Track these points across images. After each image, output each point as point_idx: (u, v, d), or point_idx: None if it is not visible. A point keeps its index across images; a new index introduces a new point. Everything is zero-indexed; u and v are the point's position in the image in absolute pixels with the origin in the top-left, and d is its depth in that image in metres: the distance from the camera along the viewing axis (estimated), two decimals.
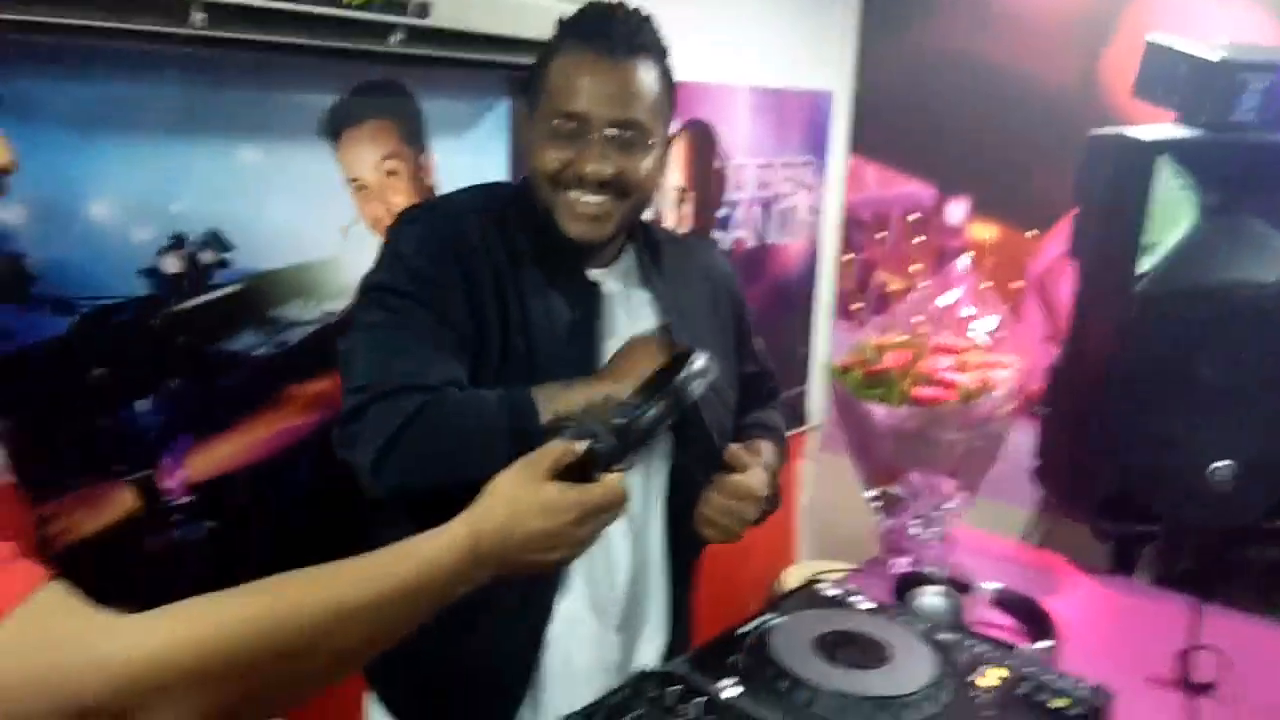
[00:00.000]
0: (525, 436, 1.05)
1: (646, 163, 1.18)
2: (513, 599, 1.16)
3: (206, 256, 1.45)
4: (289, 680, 0.75)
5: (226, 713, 0.71)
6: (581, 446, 0.91)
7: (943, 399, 1.47)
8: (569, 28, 1.18)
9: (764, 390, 1.44)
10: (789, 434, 1.47)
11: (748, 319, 1.43)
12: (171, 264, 1.41)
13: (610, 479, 0.91)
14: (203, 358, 1.45)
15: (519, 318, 1.17)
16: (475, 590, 0.85)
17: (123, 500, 1.38)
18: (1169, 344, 1.54)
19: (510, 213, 1.22)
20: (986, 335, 1.63)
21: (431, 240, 1.16)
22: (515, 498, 0.88)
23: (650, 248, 1.30)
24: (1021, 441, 1.74)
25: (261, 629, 0.72)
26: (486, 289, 1.16)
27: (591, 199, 1.16)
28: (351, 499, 1.18)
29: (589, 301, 1.22)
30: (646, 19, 1.19)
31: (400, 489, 1.09)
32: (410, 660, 1.16)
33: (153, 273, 1.39)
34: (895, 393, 1.49)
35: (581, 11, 1.20)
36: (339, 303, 1.60)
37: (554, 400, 1.10)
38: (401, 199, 1.67)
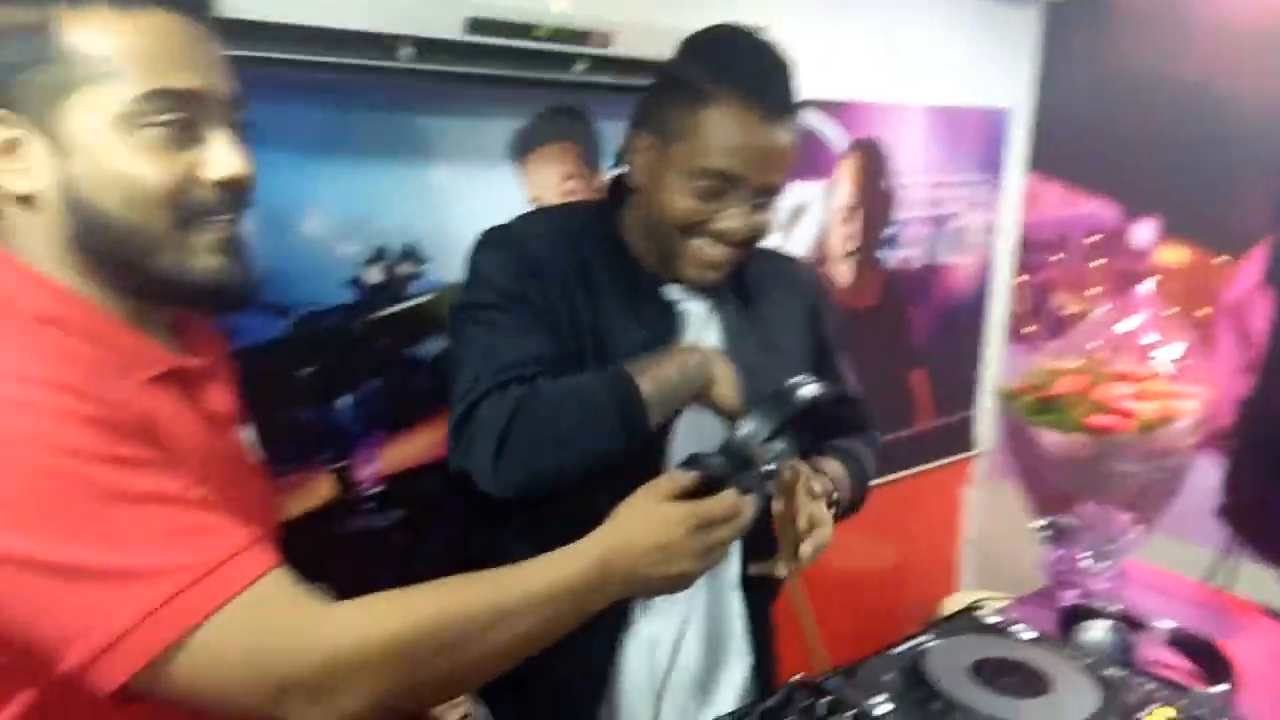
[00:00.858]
0: (627, 407, 1.10)
1: (772, 215, 1.21)
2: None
3: (404, 268, 1.58)
4: (445, 673, 0.82)
5: (394, 698, 0.79)
6: (692, 474, 0.95)
7: (1120, 428, 1.41)
8: (723, 74, 1.13)
9: (848, 417, 1.34)
10: (955, 459, 1.45)
11: (831, 337, 1.41)
12: (374, 275, 1.55)
13: (726, 492, 0.95)
14: (397, 360, 1.58)
15: (594, 337, 1.20)
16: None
17: (323, 487, 1.52)
18: None
19: (587, 234, 1.24)
20: (1170, 364, 1.56)
21: (510, 260, 1.20)
22: (634, 516, 0.93)
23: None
24: (1207, 477, 1.65)
25: (437, 622, 0.80)
26: (563, 307, 1.19)
27: (719, 251, 1.18)
28: None
29: (667, 321, 1.25)
30: (792, 70, 1.17)
31: (522, 484, 1.12)
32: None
33: (356, 282, 1.53)
34: (1068, 419, 1.44)
35: (737, 57, 1.15)
36: None
37: (645, 370, 1.12)
38: None
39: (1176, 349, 1.58)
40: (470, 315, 1.20)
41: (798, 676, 1.11)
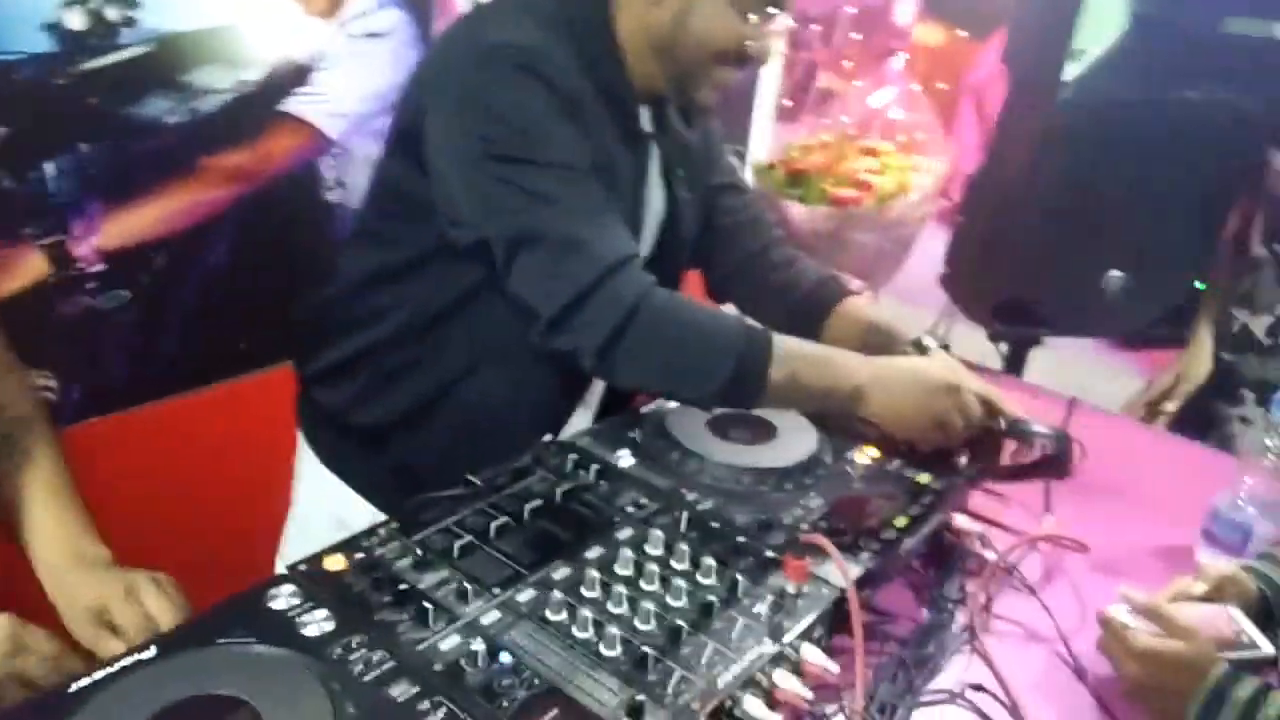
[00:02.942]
0: (747, 374, 1.07)
1: None
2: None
3: (112, 13, 1.38)
4: None
5: None
6: None
7: (858, 201, 1.50)
8: None
9: (764, 218, 1.39)
10: None
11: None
12: (75, 19, 1.34)
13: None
14: (111, 121, 1.41)
15: (601, 174, 1.11)
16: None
17: (33, 264, 1.37)
18: (1084, 155, 1.57)
19: (583, 46, 1.12)
20: (913, 138, 1.65)
21: (541, 97, 1.06)
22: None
23: None
24: (933, 250, 1.80)
25: None
26: (589, 146, 1.10)
27: (734, 75, 1.14)
28: (269, 277, 1.19)
29: (642, 152, 1.20)
30: None
31: (622, 382, 1.13)
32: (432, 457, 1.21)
33: (55, 27, 1.32)
34: (814, 192, 1.51)
35: None
36: (253, 72, 1.54)
37: (792, 360, 1.09)
38: None
39: (920, 124, 1.67)
40: (518, 173, 1.06)
41: (548, 437, 1.15)
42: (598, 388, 1.31)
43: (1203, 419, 1.70)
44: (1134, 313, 1.65)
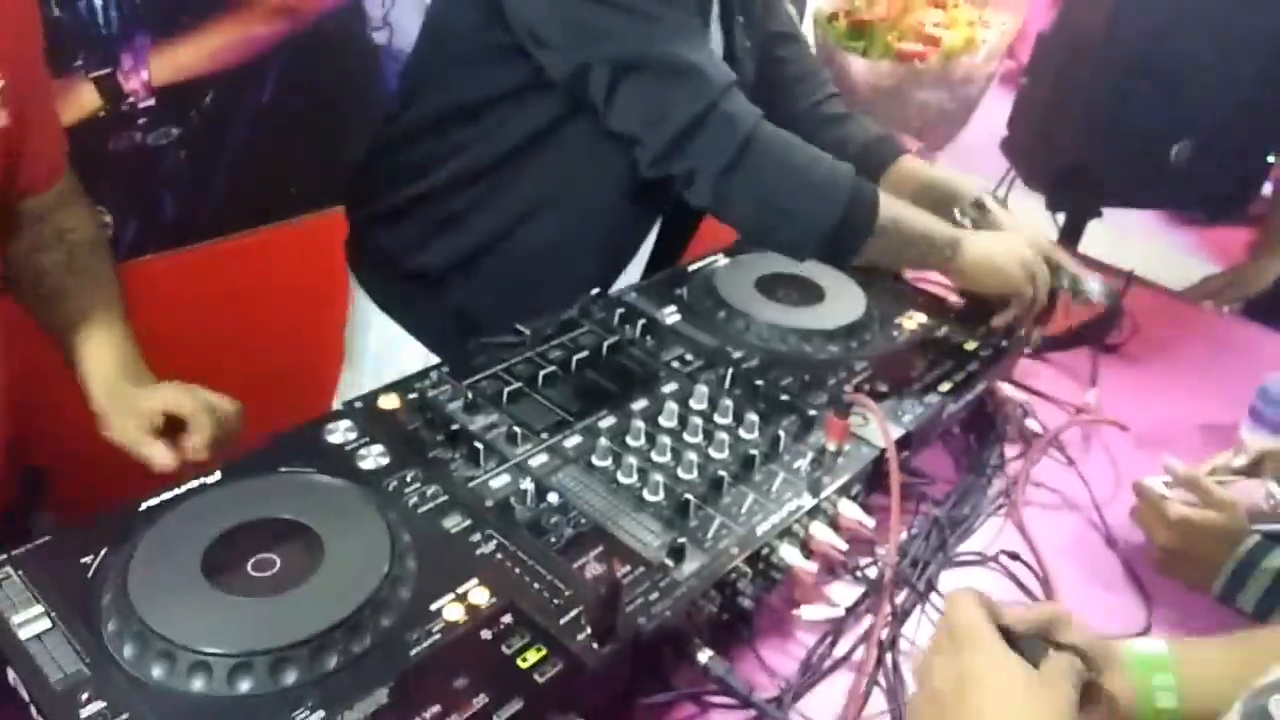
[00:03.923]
0: (858, 217, 1.05)
1: None
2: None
3: None
4: None
5: None
6: None
7: (925, 56, 1.44)
8: None
9: (819, 70, 1.34)
10: None
11: None
12: None
13: None
14: None
15: None
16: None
17: (85, 97, 1.37)
18: (1161, 14, 1.48)
19: None
20: None
21: None
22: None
23: None
24: (997, 112, 1.73)
25: None
26: None
27: None
28: (316, 118, 1.17)
29: None
30: None
31: (740, 209, 1.09)
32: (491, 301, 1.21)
33: None
34: (877, 45, 1.45)
35: None
36: None
37: (893, 207, 1.07)
38: None
39: None
40: None
41: (594, 291, 1.16)
42: (647, 244, 1.30)
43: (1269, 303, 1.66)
44: (1202, 186, 1.59)
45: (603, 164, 1.13)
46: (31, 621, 0.67)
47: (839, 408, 0.91)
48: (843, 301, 1.18)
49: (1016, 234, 1.17)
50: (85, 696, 0.63)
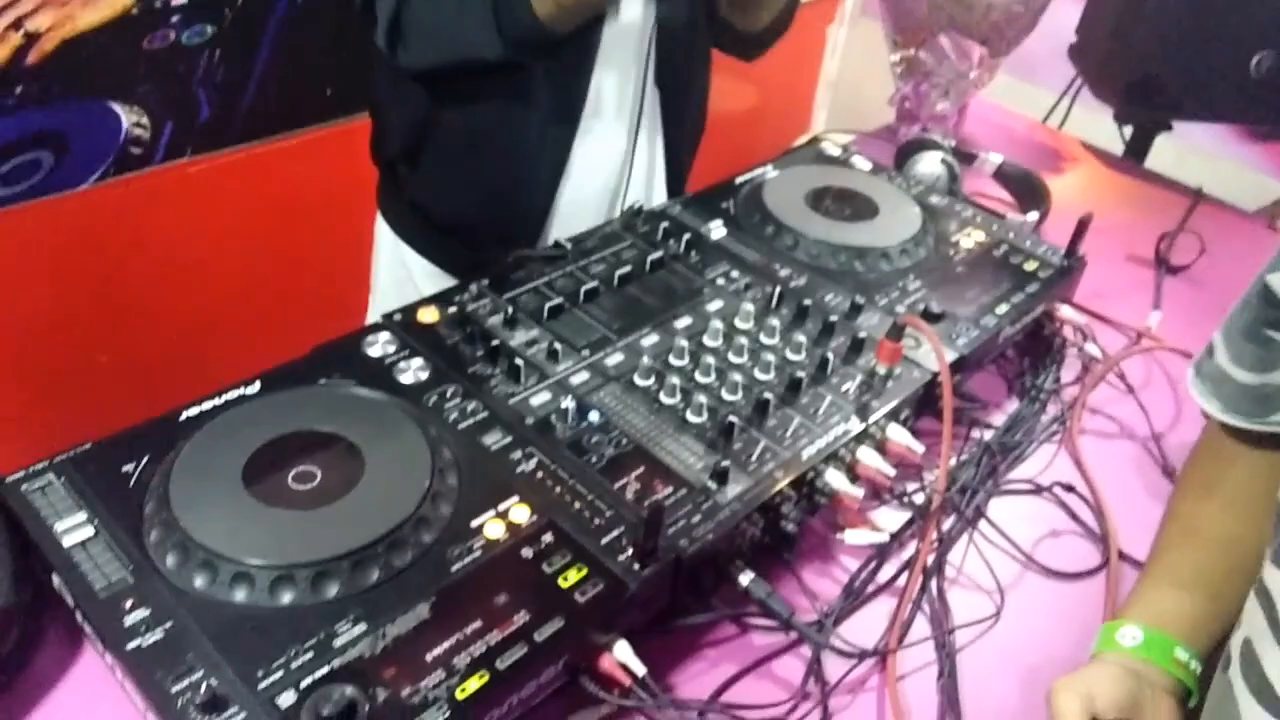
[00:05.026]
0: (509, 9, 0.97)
1: None
2: (537, 136, 1.14)
3: None
4: None
5: None
6: None
7: None
8: None
9: None
10: None
11: None
12: None
13: None
14: None
15: None
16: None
17: None
18: None
19: None
20: None
21: None
22: None
23: None
24: (1064, 18, 1.63)
25: None
26: None
27: None
28: (352, 19, 1.12)
29: None
30: None
31: (426, 73, 1.07)
32: (440, 194, 1.20)
33: None
34: None
35: None
36: None
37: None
38: None
39: None
40: None
41: (638, 203, 1.12)
42: (657, 163, 1.26)
43: None
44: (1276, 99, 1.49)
45: None
46: (76, 529, 0.68)
47: (891, 330, 0.88)
48: (897, 217, 1.13)
49: None
50: (129, 604, 0.64)
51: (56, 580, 0.67)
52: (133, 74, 1.36)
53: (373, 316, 1.31)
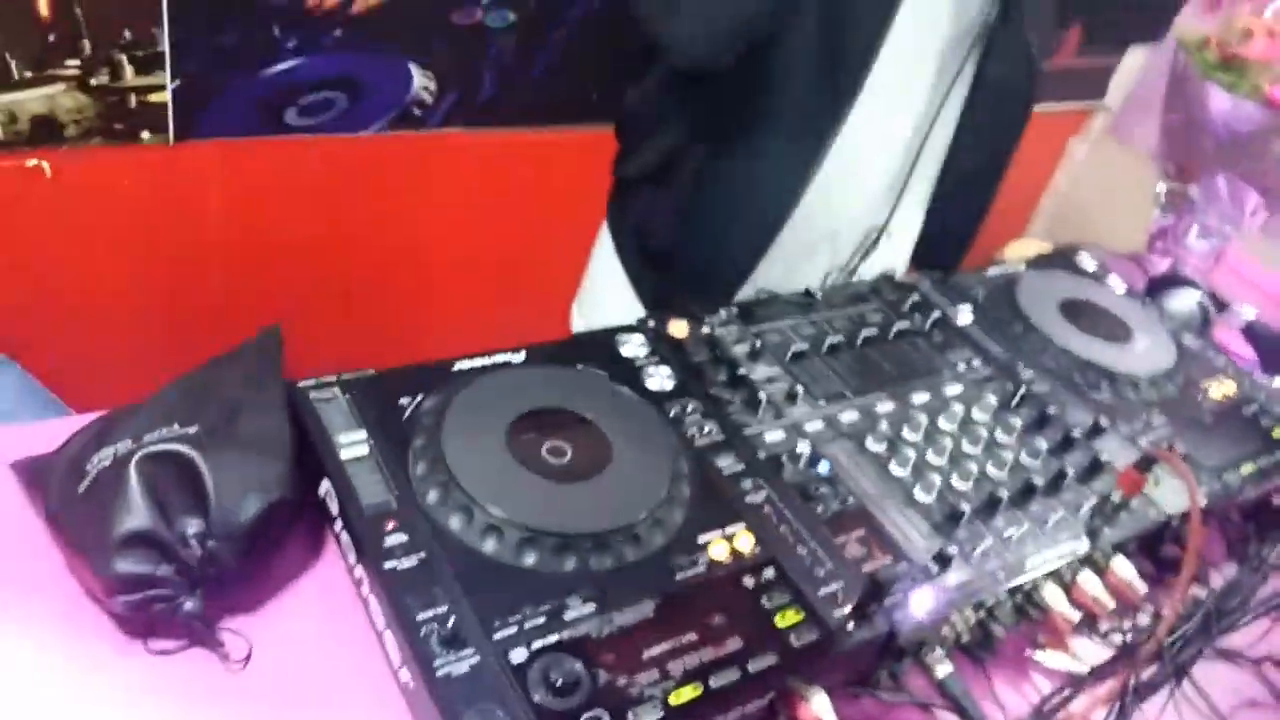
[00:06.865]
0: None
1: None
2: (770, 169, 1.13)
3: None
4: None
5: None
6: None
7: None
8: None
9: None
10: (1077, 107, 1.33)
11: None
12: None
13: None
14: None
15: None
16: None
17: None
18: None
19: None
20: None
21: None
22: None
23: None
24: None
25: None
26: None
27: None
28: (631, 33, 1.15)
29: None
30: None
31: (684, 52, 1.03)
32: (664, 221, 1.22)
33: None
34: (1248, 83, 1.32)
35: None
36: None
37: None
38: None
39: None
40: None
41: (890, 270, 1.13)
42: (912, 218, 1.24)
43: None
44: None
45: None
46: (354, 445, 0.73)
47: (1141, 460, 0.86)
48: (1150, 347, 1.10)
49: None
50: (391, 526, 0.68)
51: (325, 487, 0.72)
52: (434, 42, 1.46)
53: (576, 325, 1.35)
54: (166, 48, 1.29)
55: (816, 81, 1.05)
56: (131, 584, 0.66)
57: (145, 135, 1.35)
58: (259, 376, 0.76)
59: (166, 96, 1.33)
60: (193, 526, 0.66)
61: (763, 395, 0.88)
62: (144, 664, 0.66)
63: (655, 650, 0.65)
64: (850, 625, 0.70)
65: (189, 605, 0.66)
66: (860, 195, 1.20)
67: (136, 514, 0.66)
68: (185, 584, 0.66)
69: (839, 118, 1.07)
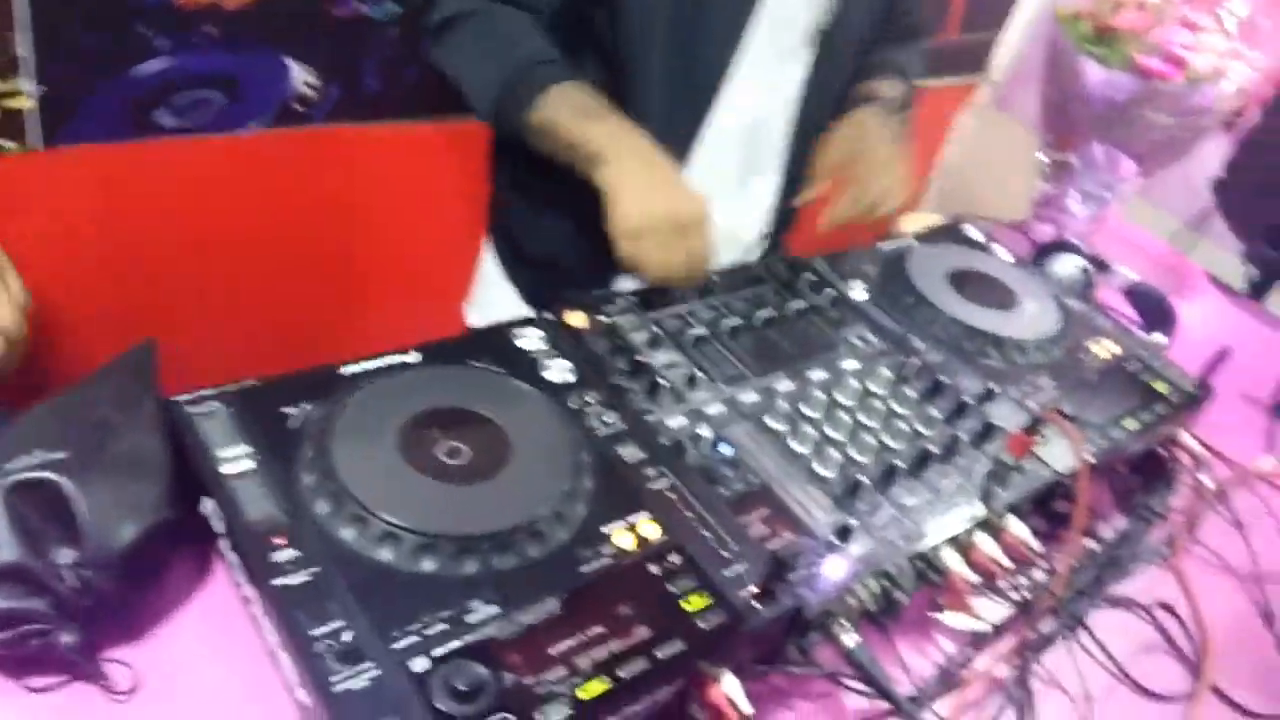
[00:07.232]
0: (509, 107, 1.00)
1: None
2: None
3: None
4: None
5: None
6: None
7: (1168, 75, 1.35)
8: None
9: (904, 22, 1.23)
10: (962, 81, 1.37)
11: None
12: None
13: None
14: None
15: None
16: None
17: None
18: None
19: None
20: (1236, 21, 1.46)
21: None
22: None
23: None
24: (1207, 151, 1.63)
25: None
26: None
27: None
28: None
29: None
30: None
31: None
32: (535, 226, 1.23)
33: None
34: (1119, 55, 1.37)
35: None
36: None
37: (559, 107, 0.99)
38: None
39: (1245, 7, 1.47)
40: None
41: (783, 253, 1.14)
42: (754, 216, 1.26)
43: None
44: None
45: None
46: (236, 460, 0.70)
47: (1030, 423, 0.88)
48: (1036, 312, 1.13)
49: (692, 195, 0.98)
50: (280, 541, 0.65)
51: (209, 506, 0.69)
52: (314, 36, 1.41)
53: (471, 322, 1.33)
54: (30, 53, 1.21)
55: (670, 111, 1.08)
56: (3, 621, 0.62)
57: (9, 145, 1.27)
58: (131, 394, 0.72)
59: (27, 103, 1.25)
60: (65, 556, 0.63)
61: (663, 382, 0.87)
62: (23, 704, 0.63)
63: (562, 646, 0.64)
64: (757, 604, 0.71)
65: (66, 638, 0.63)
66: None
67: (4, 548, 0.62)
68: (61, 617, 0.63)
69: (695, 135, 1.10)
